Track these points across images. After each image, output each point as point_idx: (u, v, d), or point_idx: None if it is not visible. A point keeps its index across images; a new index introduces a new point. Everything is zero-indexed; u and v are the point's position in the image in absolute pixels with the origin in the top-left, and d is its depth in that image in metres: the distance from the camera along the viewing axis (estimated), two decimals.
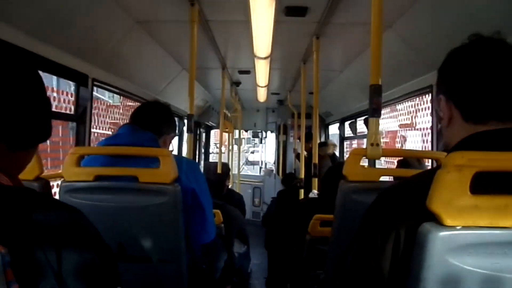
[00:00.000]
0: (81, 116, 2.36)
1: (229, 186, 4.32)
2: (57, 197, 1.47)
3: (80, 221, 0.62)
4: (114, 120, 3.65)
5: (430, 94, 2.51)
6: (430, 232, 0.62)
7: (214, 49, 3.24)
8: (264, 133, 8.21)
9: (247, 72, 4.18)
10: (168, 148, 1.65)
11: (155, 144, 1.48)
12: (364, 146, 1.39)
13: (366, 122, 3.88)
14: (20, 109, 0.60)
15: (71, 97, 2.41)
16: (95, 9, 2.03)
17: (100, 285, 0.59)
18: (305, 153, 4.07)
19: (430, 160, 2.17)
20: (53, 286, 0.53)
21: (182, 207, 1.39)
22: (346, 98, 4.45)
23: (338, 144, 5.20)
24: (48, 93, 1.53)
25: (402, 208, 0.71)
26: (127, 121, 1.65)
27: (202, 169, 4.84)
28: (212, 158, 8.03)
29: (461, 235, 0.61)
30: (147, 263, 1.40)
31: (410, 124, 3.58)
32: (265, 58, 3.17)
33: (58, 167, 2.53)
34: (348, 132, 5.05)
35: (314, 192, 2.86)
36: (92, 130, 2.54)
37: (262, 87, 4.63)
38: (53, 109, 2.34)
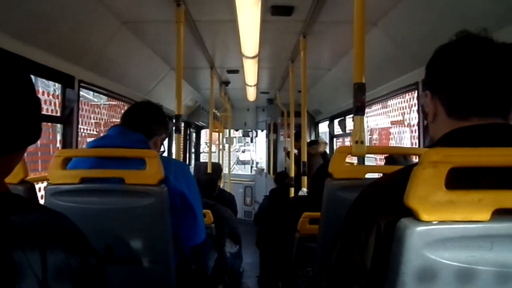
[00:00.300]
0: (67, 118, 2.34)
1: (221, 186, 4.33)
2: (42, 200, 1.46)
3: (64, 223, 0.61)
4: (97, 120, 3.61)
5: (416, 91, 2.54)
6: (408, 228, 0.63)
7: (202, 49, 3.24)
8: (254, 132, 8.21)
9: (235, 71, 4.18)
10: (160, 149, 1.64)
11: (144, 146, 1.47)
12: None
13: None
14: (9, 111, 0.59)
15: (53, 97, 2.38)
16: (80, 10, 2.01)
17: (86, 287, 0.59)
18: (295, 151, 4.10)
19: (417, 157, 2.19)
20: None
21: (170, 209, 1.39)
22: (335, 96, 4.47)
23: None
24: None
25: (383, 203, 0.72)
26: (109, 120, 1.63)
27: (192, 170, 4.84)
28: (203, 158, 8.01)
29: (437, 229, 0.63)
30: (135, 264, 1.40)
31: (401, 121, 3.61)
32: (253, 57, 3.17)
33: None
34: (337, 129, 5.08)
35: (304, 190, 2.88)
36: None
37: (251, 86, 4.64)
38: None
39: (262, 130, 7.78)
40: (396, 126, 3.83)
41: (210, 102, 4.37)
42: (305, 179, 2.99)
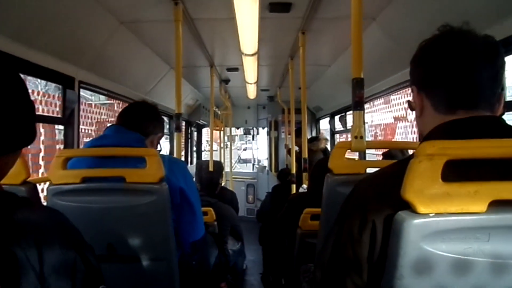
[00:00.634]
0: (68, 119, 2.35)
1: (222, 184, 4.34)
2: (45, 201, 1.47)
3: (61, 221, 0.63)
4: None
5: None
6: (405, 220, 0.64)
7: (201, 47, 3.24)
8: (256, 130, 8.21)
9: (235, 69, 4.18)
10: (156, 148, 1.66)
11: (141, 145, 1.48)
12: None
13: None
14: (2, 113, 0.60)
15: (42, 96, 2.37)
16: (78, 11, 2.01)
17: (83, 284, 0.60)
18: (296, 148, 4.10)
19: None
20: (35, 285, 0.54)
21: (171, 206, 1.40)
22: (335, 92, 4.47)
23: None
24: None
25: (378, 198, 0.73)
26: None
27: (194, 168, 4.85)
28: (205, 156, 8.02)
29: (434, 222, 0.63)
30: (138, 262, 1.41)
31: (403, 116, 3.62)
32: (253, 55, 3.17)
33: None
34: (338, 126, 5.08)
35: (304, 187, 2.88)
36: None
37: (251, 84, 4.64)
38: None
39: (263, 128, 7.77)
40: (400, 121, 3.83)
41: (210, 100, 4.38)
42: (306, 176, 3.00)
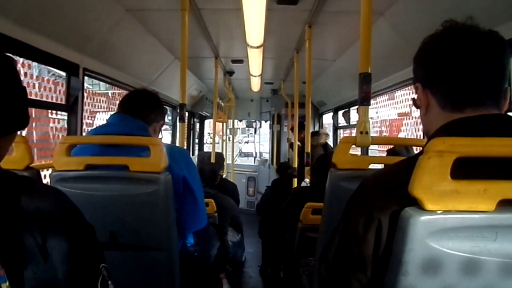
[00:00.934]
0: (72, 106, 2.35)
1: (223, 176, 4.34)
2: None
3: (64, 203, 0.63)
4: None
5: None
6: (412, 217, 0.63)
7: (206, 38, 3.22)
8: (258, 123, 8.19)
9: (240, 61, 4.16)
10: (158, 136, 1.65)
11: (144, 133, 1.48)
12: None
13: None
14: None
15: (31, 79, 2.33)
16: None
17: (85, 264, 0.61)
18: (298, 142, 4.09)
19: (419, 149, 2.18)
20: (40, 269, 0.54)
21: (173, 195, 1.40)
22: (340, 87, 4.45)
23: (331, 133, 5.22)
24: None
25: (384, 195, 0.72)
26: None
27: (196, 159, 4.85)
28: (207, 148, 8.02)
29: (442, 219, 0.63)
30: (139, 251, 1.41)
31: (408, 113, 3.59)
32: (258, 47, 3.15)
33: None
34: (342, 121, 5.06)
35: (306, 181, 2.88)
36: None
37: (255, 76, 4.62)
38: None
39: (266, 121, 7.76)
40: (406, 118, 3.81)
41: (214, 92, 4.36)
42: (308, 170, 2.99)
